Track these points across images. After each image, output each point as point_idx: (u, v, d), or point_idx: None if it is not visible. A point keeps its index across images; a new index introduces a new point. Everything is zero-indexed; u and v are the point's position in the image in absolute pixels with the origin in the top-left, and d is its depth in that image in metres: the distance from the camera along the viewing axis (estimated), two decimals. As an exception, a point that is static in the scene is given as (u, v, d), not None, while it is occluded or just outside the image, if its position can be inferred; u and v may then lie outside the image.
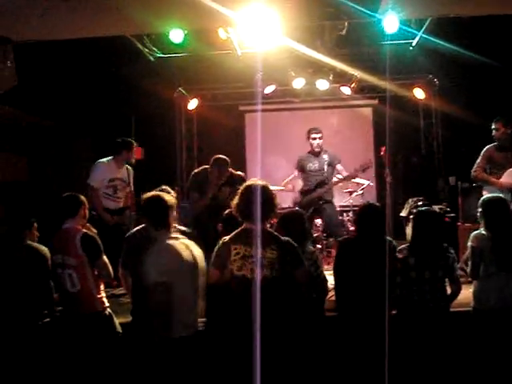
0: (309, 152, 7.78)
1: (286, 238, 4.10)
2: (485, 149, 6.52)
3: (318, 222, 8.16)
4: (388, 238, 4.67)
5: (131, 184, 7.00)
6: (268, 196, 4.02)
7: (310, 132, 7.74)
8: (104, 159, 6.89)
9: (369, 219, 4.65)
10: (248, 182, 4.15)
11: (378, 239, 4.59)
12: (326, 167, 7.57)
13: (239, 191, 4.11)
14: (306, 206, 7.41)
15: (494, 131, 6.43)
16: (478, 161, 6.50)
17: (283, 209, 6.07)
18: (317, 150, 7.64)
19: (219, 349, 4.17)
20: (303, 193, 7.72)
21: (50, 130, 9.58)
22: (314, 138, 7.64)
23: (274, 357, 3.88)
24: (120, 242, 4.96)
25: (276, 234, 4.11)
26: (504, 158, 6.39)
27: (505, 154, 6.41)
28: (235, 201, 4.11)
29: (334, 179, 7.76)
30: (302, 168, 7.78)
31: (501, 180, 6.28)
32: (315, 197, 7.53)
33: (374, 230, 4.60)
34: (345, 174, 7.73)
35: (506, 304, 4.42)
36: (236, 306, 3.97)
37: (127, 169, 6.99)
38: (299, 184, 7.87)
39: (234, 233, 4.09)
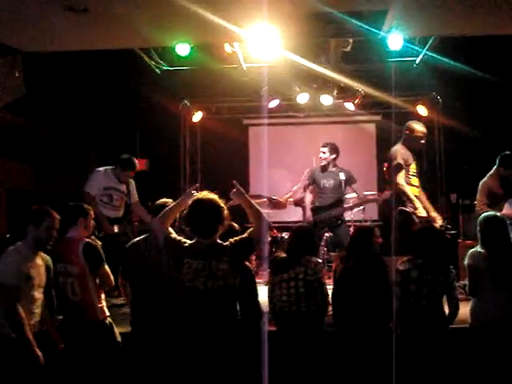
0: (321, 167, 7.58)
1: (233, 243, 3.89)
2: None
3: (326, 235, 8.03)
4: (377, 252, 4.88)
5: (131, 195, 6.94)
6: (216, 209, 3.86)
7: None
8: (102, 168, 6.87)
9: (359, 240, 4.92)
10: (197, 196, 3.93)
11: (368, 257, 4.79)
12: (343, 186, 7.38)
13: (189, 205, 3.91)
14: (319, 223, 7.34)
15: None
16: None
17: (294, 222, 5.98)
18: (322, 163, 7.48)
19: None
20: (316, 209, 7.47)
21: (58, 140, 9.68)
22: (319, 152, 7.52)
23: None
24: (120, 250, 4.98)
25: (225, 244, 3.89)
26: None
27: None
28: (184, 215, 3.95)
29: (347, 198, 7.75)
30: (314, 181, 7.59)
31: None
32: (333, 216, 7.33)
33: (364, 250, 4.82)
34: (361, 193, 7.74)
35: (501, 322, 4.42)
36: (187, 317, 3.85)
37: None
38: (307, 197, 7.65)
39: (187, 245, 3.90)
